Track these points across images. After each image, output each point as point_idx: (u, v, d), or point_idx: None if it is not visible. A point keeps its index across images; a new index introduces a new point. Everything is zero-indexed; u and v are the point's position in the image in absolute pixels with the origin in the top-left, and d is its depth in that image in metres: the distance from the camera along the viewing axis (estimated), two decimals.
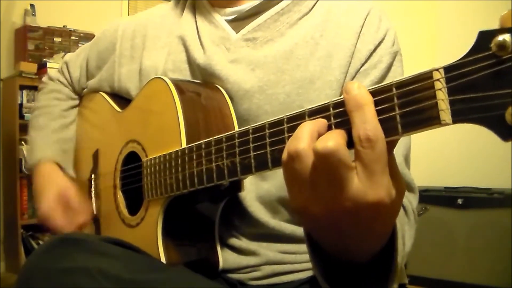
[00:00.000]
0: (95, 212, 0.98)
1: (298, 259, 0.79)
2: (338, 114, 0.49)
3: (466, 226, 2.67)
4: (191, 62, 0.86)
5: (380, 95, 0.46)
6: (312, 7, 0.85)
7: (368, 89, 0.47)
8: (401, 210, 0.72)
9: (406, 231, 0.73)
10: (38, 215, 0.95)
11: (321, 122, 0.49)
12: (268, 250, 0.79)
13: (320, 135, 0.48)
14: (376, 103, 0.46)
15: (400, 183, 0.49)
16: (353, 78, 0.80)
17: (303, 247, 0.79)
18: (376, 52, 0.80)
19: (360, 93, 0.46)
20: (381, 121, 0.45)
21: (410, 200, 0.77)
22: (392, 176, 0.47)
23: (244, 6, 0.87)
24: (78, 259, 0.61)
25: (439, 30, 3.22)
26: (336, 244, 0.54)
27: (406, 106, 0.44)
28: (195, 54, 0.85)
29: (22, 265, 0.63)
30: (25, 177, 3.03)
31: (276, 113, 0.76)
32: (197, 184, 0.68)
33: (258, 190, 0.80)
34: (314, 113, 0.51)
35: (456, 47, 3.14)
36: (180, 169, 0.71)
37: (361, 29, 0.81)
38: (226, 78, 0.81)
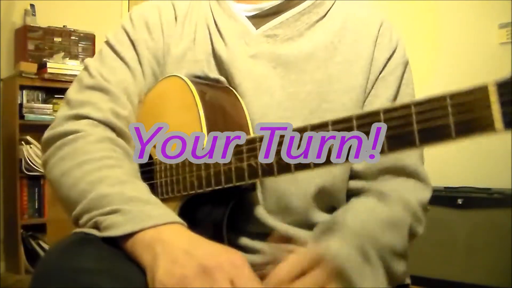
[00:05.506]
0: None
1: None
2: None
3: (466, 226, 2.68)
4: (215, 54, 0.86)
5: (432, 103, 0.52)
6: (327, 11, 0.89)
7: (422, 98, 0.53)
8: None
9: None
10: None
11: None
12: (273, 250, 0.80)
13: None
14: (429, 110, 0.53)
15: None
16: (373, 84, 0.87)
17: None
18: (391, 60, 0.88)
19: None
20: (435, 127, 0.53)
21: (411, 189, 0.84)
22: None
23: (264, 5, 0.88)
24: (94, 258, 0.61)
25: (440, 31, 3.23)
26: None
27: (460, 113, 0.51)
28: (217, 46, 0.86)
29: (37, 263, 0.63)
30: (25, 177, 3.03)
31: (296, 109, 0.80)
32: (224, 183, 0.69)
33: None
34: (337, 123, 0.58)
35: (457, 49, 3.16)
36: (203, 167, 0.71)
37: (377, 39, 0.87)
38: (248, 72, 0.83)
